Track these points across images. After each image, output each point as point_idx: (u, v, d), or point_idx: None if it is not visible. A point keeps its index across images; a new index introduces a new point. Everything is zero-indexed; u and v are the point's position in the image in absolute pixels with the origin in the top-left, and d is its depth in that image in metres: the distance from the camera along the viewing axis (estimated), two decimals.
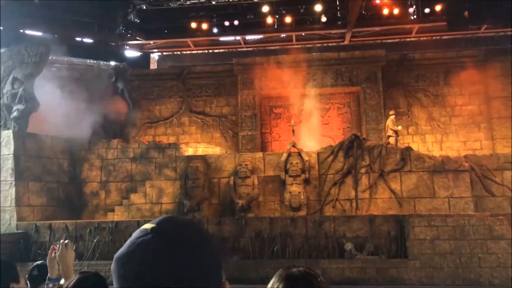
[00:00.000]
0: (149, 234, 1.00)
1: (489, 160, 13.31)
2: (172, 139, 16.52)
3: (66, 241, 2.75)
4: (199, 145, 15.26)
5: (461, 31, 17.67)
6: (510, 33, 18.21)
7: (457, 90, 17.87)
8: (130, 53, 20.57)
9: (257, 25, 18.72)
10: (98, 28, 18.60)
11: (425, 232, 11.40)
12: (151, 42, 20.21)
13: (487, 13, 16.13)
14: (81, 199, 14.81)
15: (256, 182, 13.61)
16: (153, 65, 21.37)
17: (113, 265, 1.01)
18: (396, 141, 15.68)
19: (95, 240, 12.12)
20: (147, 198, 14.05)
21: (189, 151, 14.78)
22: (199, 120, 18.69)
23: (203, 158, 14.05)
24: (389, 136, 15.91)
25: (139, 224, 12.31)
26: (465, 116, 17.75)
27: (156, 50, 21.21)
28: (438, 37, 19.03)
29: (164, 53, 21.45)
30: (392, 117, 16.17)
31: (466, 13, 16.28)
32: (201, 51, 20.74)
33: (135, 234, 1.03)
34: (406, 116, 18.31)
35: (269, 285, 1.49)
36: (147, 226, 1.02)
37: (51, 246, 2.76)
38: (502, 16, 15.97)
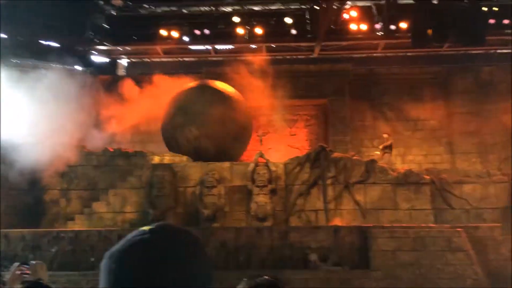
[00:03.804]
0: (147, 234, 0.99)
1: (448, 173, 13.76)
2: (138, 147, 16.27)
3: (39, 262, 2.65)
4: (165, 154, 15.08)
5: (424, 48, 18.25)
6: (471, 51, 18.97)
7: (420, 105, 18.42)
8: (98, 58, 20.21)
9: (227, 35, 18.78)
10: (65, 32, 18.22)
11: (387, 243, 11.63)
12: (120, 48, 19.95)
13: (449, 32, 16.76)
14: (40, 207, 14.33)
15: (222, 192, 13.57)
16: (121, 72, 21.07)
17: (104, 262, 1.00)
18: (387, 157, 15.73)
19: (53, 250, 11.73)
20: (110, 207, 13.75)
21: (155, 159, 14.58)
22: None
23: (169, 166, 13.90)
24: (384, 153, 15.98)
25: (100, 234, 12.04)
26: (427, 131, 18.30)
27: (124, 57, 20.94)
28: (403, 54, 19.60)
29: (133, 60, 21.20)
30: (385, 136, 16.27)
31: (429, 31, 16.85)
32: (171, 59, 20.61)
33: (132, 234, 1.02)
34: (371, 129, 18.72)
35: None
36: (145, 227, 1.02)
37: (17, 266, 2.63)
38: (464, 36, 16.64)
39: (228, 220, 13.50)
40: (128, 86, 17.46)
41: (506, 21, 16.92)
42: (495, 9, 17.06)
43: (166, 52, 19.96)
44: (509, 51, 18.93)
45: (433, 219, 12.98)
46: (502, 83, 17.82)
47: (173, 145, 15.17)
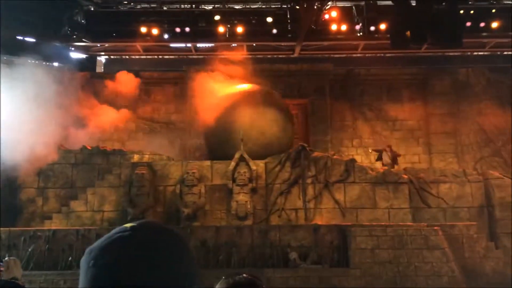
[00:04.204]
0: (127, 231, 0.98)
1: (426, 173, 13.99)
2: (117, 145, 16.06)
3: (13, 258, 2.59)
4: (145, 152, 14.92)
5: (403, 49, 18.53)
6: (448, 53, 19.35)
7: (399, 106, 18.69)
8: (76, 55, 19.86)
9: (208, 33, 18.69)
10: (42, 28, 17.84)
11: (366, 242, 11.76)
12: (98, 45, 19.64)
13: (427, 34, 17.04)
14: (16, 206, 14.00)
15: (203, 190, 13.51)
16: (100, 69, 20.75)
17: (83, 258, 0.99)
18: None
19: (30, 249, 11.48)
20: (88, 205, 13.53)
21: (134, 157, 14.42)
22: (146, 126, 18.33)
23: (149, 165, 13.77)
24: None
25: (78, 233, 11.84)
26: (405, 131, 18.59)
27: (103, 53, 20.63)
28: (382, 54, 19.86)
29: (112, 57, 20.91)
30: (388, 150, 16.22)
31: (408, 32, 17.10)
32: (150, 56, 20.40)
33: (113, 231, 1.00)
34: (351, 129, 18.91)
35: None
36: (127, 225, 1.01)
37: None
38: (441, 38, 16.95)
39: (208, 219, 13.45)
40: (107, 83, 17.24)
41: (482, 24, 17.31)
42: (472, 12, 17.44)
43: (146, 50, 19.76)
44: (485, 53, 19.41)
45: (411, 218, 13.19)
46: (478, 85, 18.24)
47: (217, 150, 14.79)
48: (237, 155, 14.20)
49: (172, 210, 13.38)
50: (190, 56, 20.26)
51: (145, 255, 0.94)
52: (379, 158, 15.71)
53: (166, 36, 18.75)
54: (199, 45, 20.00)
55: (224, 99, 15.30)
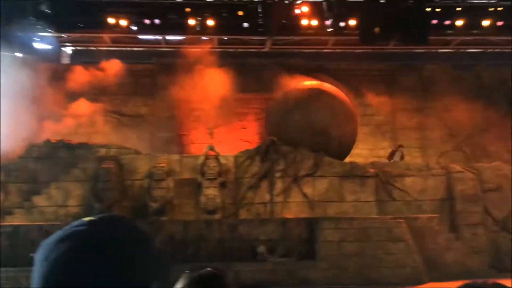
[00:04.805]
0: (84, 226, 0.94)
1: (392, 167, 14.29)
2: (83, 139, 15.71)
3: None
4: (112, 146, 14.67)
5: (371, 45, 18.82)
6: (415, 50, 19.76)
7: (367, 101, 18.98)
8: (41, 45, 19.27)
9: (178, 26, 18.46)
10: (5, 17, 17.21)
11: (333, 235, 11.97)
12: (64, 35, 19.13)
13: (395, 31, 17.38)
14: None
15: (171, 185, 13.42)
16: (66, 60, 20.23)
17: (37, 252, 0.95)
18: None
19: None
20: (52, 200, 13.21)
21: (101, 151, 14.15)
22: (114, 119, 18.01)
23: (116, 159, 13.56)
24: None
25: (41, 228, 11.55)
26: (373, 126, 18.90)
27: (69, 44, 20.11)
28: (352, 50, 20.09)
29: (78, 48, 20.40)
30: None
31: (376, 29, 17.40)
32: (119, 48, 20.01)
33: (70, 225, 0.96)
34: None
35: None
36: (86, 218, 0.97)
37: None
38: (408, 35, 17.31)
39: (177, 213, 13.38)
40: (73, 75, 16.84)
41: (447, 22, 17.75)
42: (438, 10, 17.86)
43: (114, 41, 19.37)
44: (450, 50, 19.93)
45: (376, 211, 13.47)
46: (442, 82, 18.72)
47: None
48: (206, 149, 14.17)
49: (140, 204, 13.23)
50: (160, 49, 19.98)
51: (100, 251, 0.91)
52: (391, 156, 16.11)
53: (135, 27, 18.42)
54: (169, 37, 19.74)
55: (296, 94, 15.50)
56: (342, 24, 18.39)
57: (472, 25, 17.89)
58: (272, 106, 16.00)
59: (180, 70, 17.78)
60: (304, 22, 18.36)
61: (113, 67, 18.37)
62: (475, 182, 13.84)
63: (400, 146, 16.43)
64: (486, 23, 17.53)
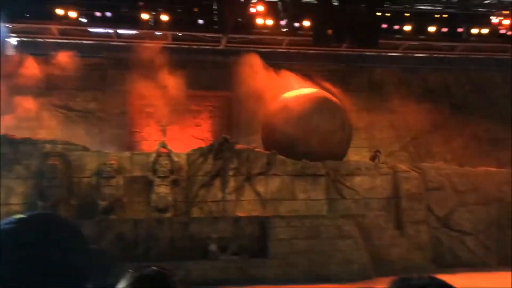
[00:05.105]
0: (13, 224, 0.91)
1: (342, 166, 14.66)
2: (27, 134, 15.00)
3: None
4: (59, 141, 14.10)
5: (324, 47, 19.19)
6: (365, 53, 20.35)
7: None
8: None
9: (131, 19, 18.00)
10: None
11: (284, 232, 12.14)
12: (9, 25, 18.16)
13: (347, 34, 17.82)
14: None
15: (121, 182, 13.10)
16: (10, 51, 19.22)
17: None
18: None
19: None
20: None
21: (46, 147, 13.57)
22: (60, 114, 17.33)
23: (63, 155, 13.07)
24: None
25: None
26: None
27: (14, 35, 19.12)
28: (305, 51, 20.39)
29: (24, 39, 19.44)
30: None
31: (329, 31, 17.77)
32: (67, 40, 19.25)
33: (1, 222, 0.93)
34: None
35: None
36: (16, 216, 0.93)
37: None
38: (359, 38, 17.80)
39: (126, 212, 13.08)
40: (18, 67, 16.05)
41: (396, 27, 18.41)
42: (388, 14, 18.49)
43: (63, 33, 18.63)
44: (399, 54, 20.69)
45: (326, 209, 13.78)
46: (390, 84, 19.42)
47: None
48: (158, 146, 13.94)
49: (88, 202, 12.82)
50: (111, 43, 19.41)
51: (27, 250, 0.88)
52: (373, 160, 16.45)
53: (84, 20, 17.79)
54: (121, 31, 19.22)
55: (296, 101, 15.47)
56: (296, 24, 18.63)
57: (419, 30, 18.64)
58: (272, 115, 15.86)
59: (132, 65, 17.38)
60: (259, 21, 18.45)
61: (61, 60, 17.67)
62: (420, 181, 14.46)
63: (377, 151, 17.11)
64: (432, 29, 18.33)
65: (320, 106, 15.46)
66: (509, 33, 18.46)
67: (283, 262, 11.83)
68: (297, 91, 16.30)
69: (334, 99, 16.36)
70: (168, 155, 13.66)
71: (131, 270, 1.44)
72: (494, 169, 15.71)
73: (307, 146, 14.54)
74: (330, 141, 15.03)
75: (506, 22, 18.31)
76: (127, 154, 13.81)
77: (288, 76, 18.77)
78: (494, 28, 18.40)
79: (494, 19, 18.44)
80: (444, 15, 18.80)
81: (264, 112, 16.50)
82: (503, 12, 18.81)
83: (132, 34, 19.26)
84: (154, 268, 1.45)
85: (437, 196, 14.69)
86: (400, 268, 12.11)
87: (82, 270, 0.98)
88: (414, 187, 14.27)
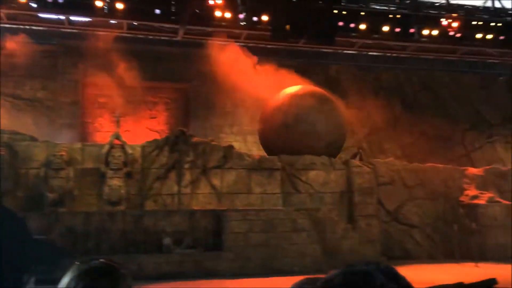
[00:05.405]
0: None
1: (297, 160, 14.85)
2: None
3: None
4: (5, 131, 13.41)
5: (283, 42, 19.30)
6: (322, 49, 20.65)
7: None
8: None
9: (84, 6, 17.30)
10: None
11: (240, 226, 12.15)
12: None
13: (304, 30, 18.00)
14: None
15: (71, 174, 12.66)
16: None
17: None
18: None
19: None
20: None
21: None
22: (7, 102, 16.49)
23: (9, 145, 12.44)
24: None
25: None
26: None
27: None
28: (264, 45, 20.43)
29: None
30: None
31: (288, 26, 17.88)
32: (16, 26, 18.30)
33: None
34: (231, 116, 19.25)
35: (63, 283, 1.30)
36: None
37: None
38: (317, 35, 18.04)
39: (77, 205, 12.66)
40: None
41: (352, 25, 18.78)
42: (344, 13, 18.82)
43: (10, 18, 17.68)
44: (354, 52, 21.16)
45: (281, 203, 13.93)
46: (346, 81, 19.85)
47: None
48: (111, 138, 13.56)
49: (35, 195, 12.30)
50: (63, 30, 18.64)
51: None
52: (354, 157, 16.60)
53: (34, 5, 16.96)
54: (73, 18, 18.48)
55: (289, 98, 15.67)
56: (255, 18, 18.61)
57: (374, 29, 19.10)
58: (270, 112, 15.89)
59: (85, 54, 16.80)
60: (218, 13, 18.28)
61: (8, 46, 16.80)
62: (371, 176, 14.90)
63: (360, 149, 17.43)
64: (386, 28, 18.86)
65: (318, 104, 15.71)
66: (457, 35, 19.30)
67: (238, 255, 11.85)
68: (293, 88, 16.46)
69: (331, 97, 16.66)
70: (122, 147, 13.32)
71: (77, 262, 1.39)
72: (441, 165, 16.42)
73: (305, 146, 14.80)
74: (328, 140, 15.36)
75: (455, 24, 19.13)
76: (78, 145, 13.35)
77: (248, 69, 18.75)
78: (444, 30, 19.16)
79: (444, 21, 19.20)
80: (397, 16, 19.37)
81: (262, 110, 16.60)
82: (452, 15, 19.64)
83: (86, 22, 18.57)
84: (102, 260, 1.40)
85: (388, 190, 15.20)
86: (351, 260, 12.43)
87: (24, 260, 0.92)
88: (366, 182, 14.68)
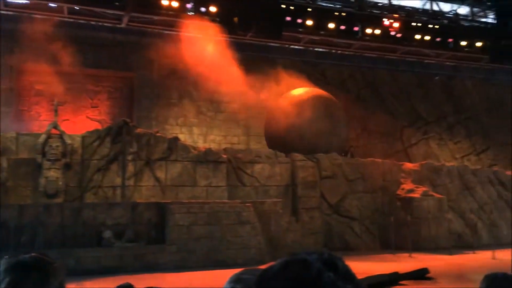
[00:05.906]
0: None
1: (243, 153, 14.91)
2: None
3: None
4: None
5: (230, 34, 19.20)
6: (270, 43, 20.77)
7: (224, 89, 19.39)
8: None
9: None
10: None
11: (183, 219, 12.01)
12: None
13: (252, 23, 18.02)
14: None
15: (5, 165, 11.97)
16: None
17: None
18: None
19: None
20: None
21: None
22: None
23: None
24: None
25: None
26: (228, 113, 19.45)
27: None
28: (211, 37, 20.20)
29: None
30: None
31: (235, 19, 17.82)
32: None
33: None
34: (177, 107, 18.94)
35: None
36: None
37: None
38: (264, 28, 18.12)
39: (10, 197, 11.99)
40: None
41: (299, 20, 19.03)
42: (292, 8, 19.03)
43: None
44: (300, 47, 21.47)
45: (227, 195, 13.93)
46: (292, 75, 20.10)
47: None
48: (49, 127, 12.94)
49: None
50: None
51: None
52: (345, 155, 17.03)
53: None
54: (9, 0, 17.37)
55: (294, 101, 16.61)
56: (203, 9, 18.37)
57: (320, 26, 19.47)
58: (275, 114, 16.59)
59: (21, 38, 15.83)
60: (165, 2, 17.87)
61: None
62: (315, 170, 15.24)
63: (351, 146, 17.71)
64: (331, 25, 19.28)
65: (322, 105, 16.48)
66: (398, 35, 20.10)
67: (181, 248, 11.72)
68: (299, 90, 17.24)
69: (333, 97, 17.33)
70: (60, 136, 12.75)
71: (6, 257, 1.32)
72: (380, 160, 17.10)
73: (311, 144, 15.46)
74: (332, 140, 16.14)
75: (396, 25, 19.91)
76: (12, 134, 12.61)
77: (194, 61, 18.49)
78: (385, 30, 19.90)
79: (386, 21, 19.93)
80: (342, 13, 19.86)
81: (268, 110, 17.18)
82: (394, 15, 20.43)
83: (23, 4, 17.51)
84: (32, 254, 1.34)
85: (330, 184, 15.62)
86: (294, 251, 12.68)
87: None
88: (310, 175, 15.00)
